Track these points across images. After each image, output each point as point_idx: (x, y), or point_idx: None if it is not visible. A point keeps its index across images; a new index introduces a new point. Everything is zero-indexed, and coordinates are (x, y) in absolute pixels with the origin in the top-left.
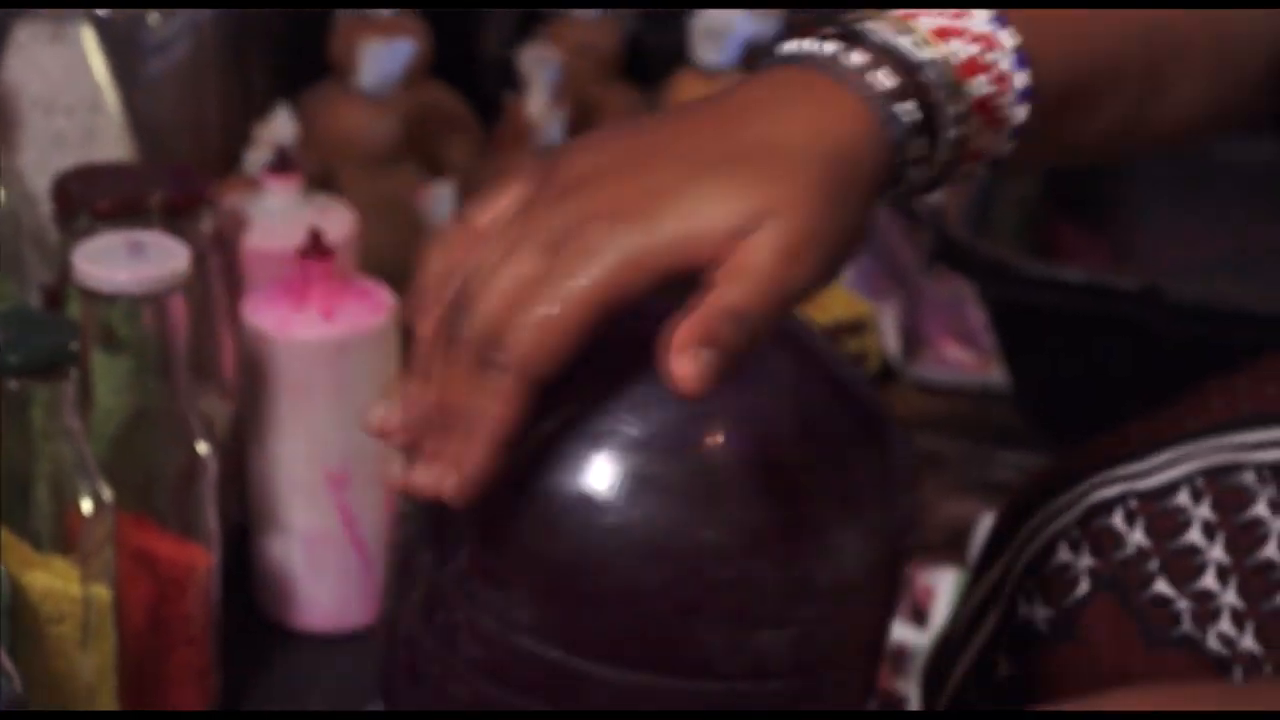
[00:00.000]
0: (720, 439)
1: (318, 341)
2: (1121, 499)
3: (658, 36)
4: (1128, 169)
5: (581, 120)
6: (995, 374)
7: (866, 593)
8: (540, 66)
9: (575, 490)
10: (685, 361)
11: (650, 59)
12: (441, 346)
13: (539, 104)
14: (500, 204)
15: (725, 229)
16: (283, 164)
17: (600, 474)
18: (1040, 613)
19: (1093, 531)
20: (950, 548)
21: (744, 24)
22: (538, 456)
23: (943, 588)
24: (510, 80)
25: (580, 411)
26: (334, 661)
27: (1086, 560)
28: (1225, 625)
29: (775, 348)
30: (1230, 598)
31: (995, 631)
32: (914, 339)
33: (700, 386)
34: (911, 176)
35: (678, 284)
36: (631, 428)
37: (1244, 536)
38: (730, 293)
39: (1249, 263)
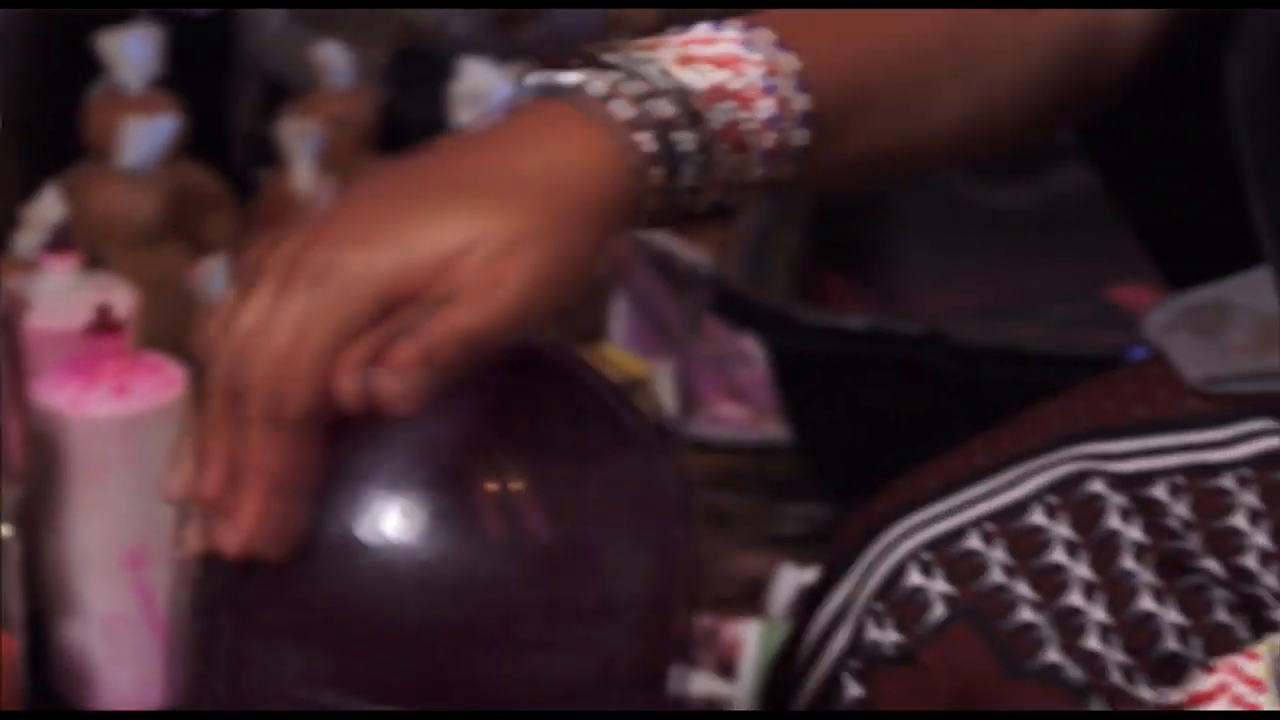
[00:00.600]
0: (482, 467)
1: (111, 419)
2: (976, 522)
3: (413, 107)
4: (890, 217)
5: None
6: (771, 429)
7: (651, 610)
8: (300, 139)
9: (348, 530)
10: (389, 380)
11: (407, 130)
12: (214, 402)
13: (303, 176)
14: (258, 254)
15: (439, 254)
16: (61, 243)
17: (370, 510)
18: (889, 636)
19: (948, 556)
20: (748, 601)
21: (504, 88)
22: (315, 503)
23: (749, 639)
24: (262, 157)
25: (337, 453)
26: None
27: (941, 586)
28: (1092, 642)
29: (538, 373)
30: (1098, 614)
31: (841, 654)
32: (688, 398)
33: (409, 406)
34: (653, 205)
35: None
36: (396, 460)
37: (1103, 550)
38: (447, 318)
39: (1011, 308)
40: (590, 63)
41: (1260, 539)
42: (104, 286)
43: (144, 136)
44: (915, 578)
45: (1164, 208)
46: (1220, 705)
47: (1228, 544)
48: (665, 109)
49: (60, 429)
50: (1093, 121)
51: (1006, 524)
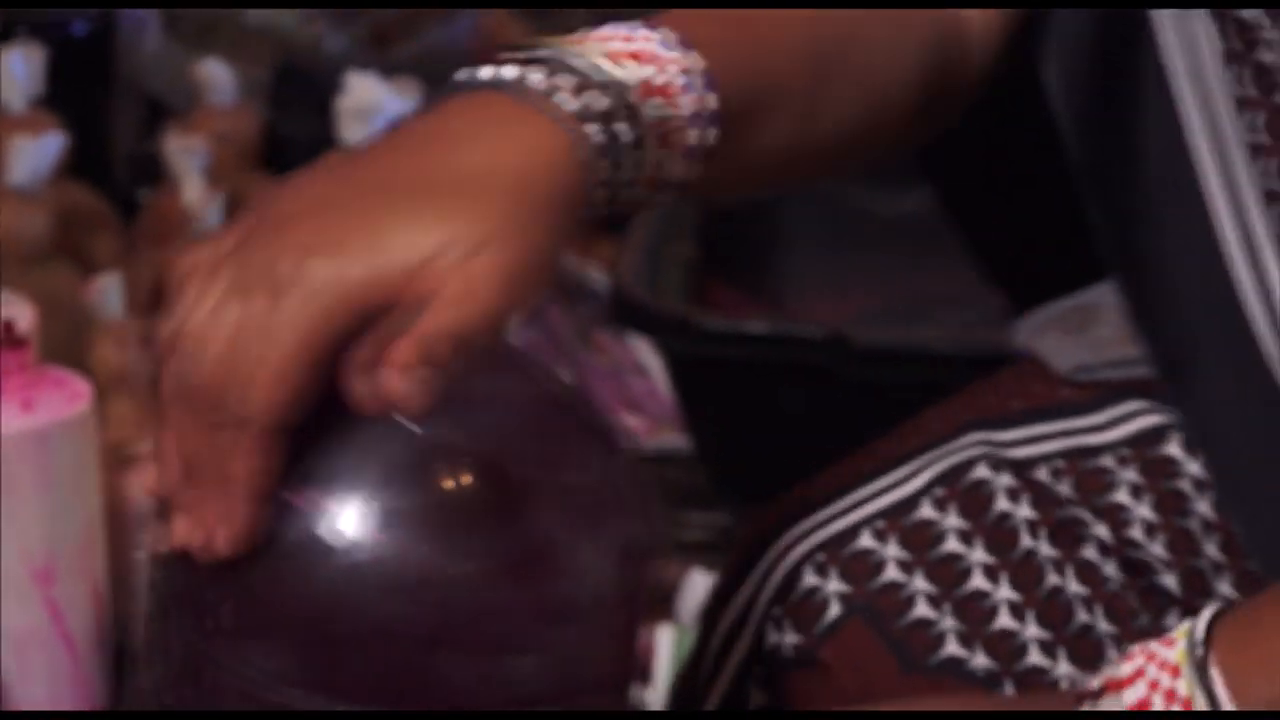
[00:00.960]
0: (447, 465)
1: (20, 434)
2: (868, 520)
3: (295, 123)
4: (777, 227)
5: (229, 210)
6: (669, 438)
7: (618, 610)
8: (186, 156)
9: (316, 531)
10: (395, 379)
11: (291, 146)
12: (170, 401)
13: (194, 192)
14: (206, 252)
15: (413, 261)
16: None
17: (340, 511)
18: (788, 639)
19: (842, 557)
20: (658, 606)
21: (390, 103)
22: (278, 504)
23: (662, 644)
24: (144, 176)
25: (313, 456)
26: None
27: (836, 584)
28: (1004, 620)
29: (494, 373)
30: (1005, 592)
31: (744, 661)
32: None
33: (419, 405)
34: (598, 199)
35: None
36: (363, 465)
37: (998, 532)
38: (437, 317)
39: (901, 313)
40: (522, 58)
41: (1144, 511)
42: (2, 303)
43: (31, 155)
44: (810, 579)
45: (1004, 224)
46: (1138, 691)
47: (1114, 518)
48: (603, 101)
49: None
50: (950, 128)
51: (897, 520)
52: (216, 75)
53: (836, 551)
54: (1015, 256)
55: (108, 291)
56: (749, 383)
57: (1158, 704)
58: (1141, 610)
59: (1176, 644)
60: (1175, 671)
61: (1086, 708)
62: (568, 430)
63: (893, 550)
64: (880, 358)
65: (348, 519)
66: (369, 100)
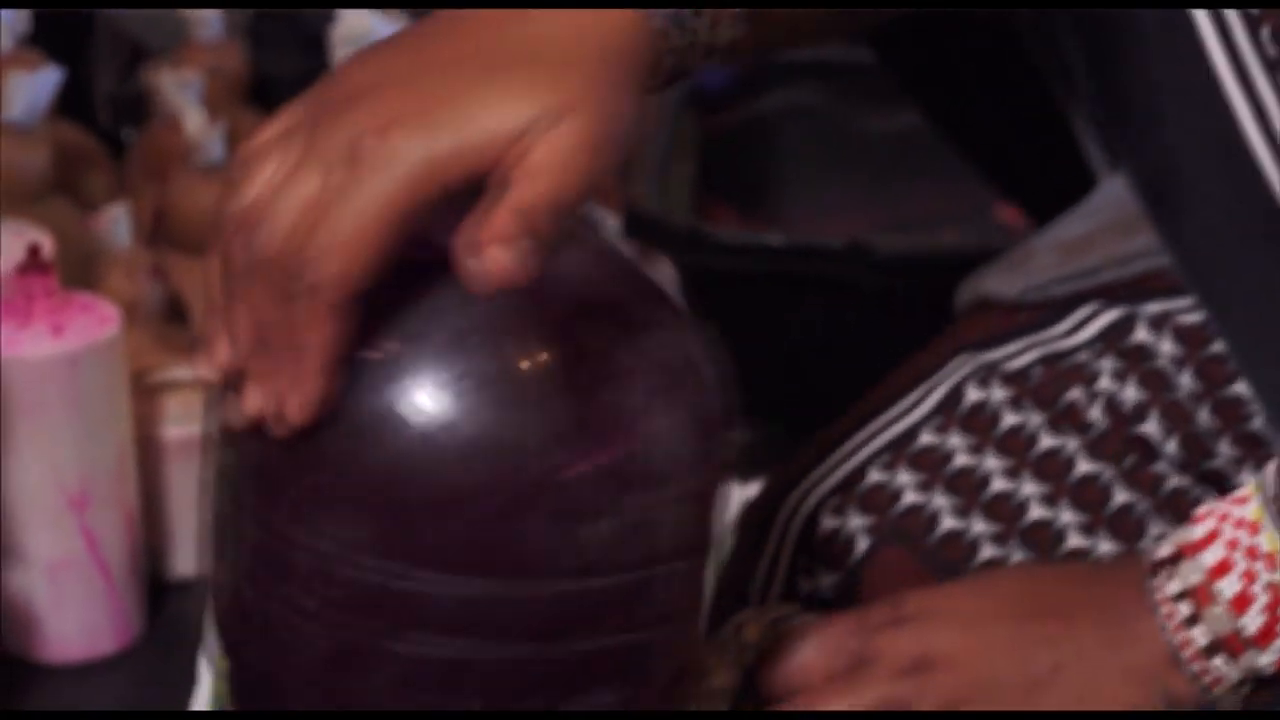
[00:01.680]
0: (528, 333)
1: (51, 358)
2: (874, 458)
3: (282, 59)
4: (773, 147)
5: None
6: None
7: (693, 478)
8: (183, 89)
9: (388, 399)
10: (500, 254)
11: (279, 84)
12: (241, 274)
13: (195, 123)
14: (275, 128)
15: (504, 133)
16: None
17: (413, 379)
18: (825, 580)
19: (856, 494)
20: None
21: (381, 26)
22: (352, 373)
23: None
24: (127, 116)
25: (387, 323)
26: (89, 693)
27: (858, 520)
28: (1037, 511)
29: (569, 245)
30: (1030, 488)
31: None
32: None
33: (518, 278)
34: (665, 66)
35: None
36: (439, 329)
37: (1009, 441)
38: (533, 187)
39: (900, 231)
40: None
41: (1130, 392)
42: (17, 231)
43: (29, 90)
44: (830, 521)
45: (994, 128)
46: (1216, 552)
47: (1107, 403)
48: None
49: None
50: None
51: (901, 451)
52: (203, 11)
53: (849, 491)
54: (1014, 161)
55: (117, 222)
56: (767, 296)
57: (1239, 563)
58: (1162, 484)
59: (1249, 501)
60: (1254, 528)
61: (1164, 576)
62: (641, 302)
63: (905, 477)
64: (902, 266)
65: (421, 385)
66: (360, 29)
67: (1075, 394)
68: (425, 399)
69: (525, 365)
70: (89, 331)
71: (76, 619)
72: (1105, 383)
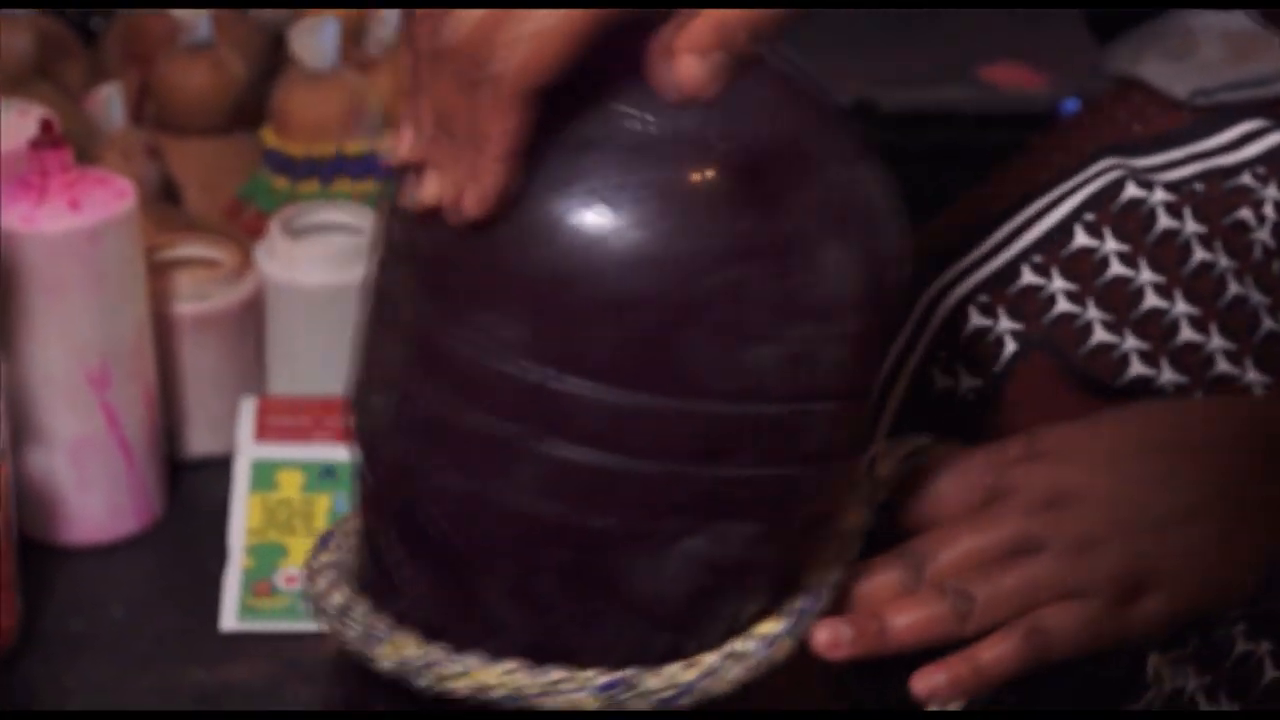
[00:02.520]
0: (708, 149)
1: (69, 233)
2: (1024, 255)
3: None
4: None
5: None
6: None
7: (858, 317)
8: None
9: (562, 201)
10: (693, 63)
11: None
12: (429, 60)
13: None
14: None
15: None
16: None
17: (587, 184)
18: (965, 383)
19: (1008, 295)
20: None
21: None
22: (531, 171)
23: None
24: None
25: (565, 124)
26: (115, 574)
27: (1007, 323)
28: (1187, 333)
29: (757, 69)
30: (1182, 307)
31: (901, 405)
32: None
33: (708, 89)
34: None
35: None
36: (618, 137)
37: (1162, 251)
38: (735, 6)
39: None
40: None
41: None
42: (23, 110)
43: None
44: (978, 320)
45: None
46: None
47: (1275, 227)
48: None
49: (15, 248)
50: None
51: (1054, 252)
52: None
53: (1000, 290)
54: None
55: (110, 102)
56: None
57: None
58: None
59: None
60: None
61: None
62: (825, 134)
63: (1058, 283)
64: (910, 121)
65: (597, 189)
66: None
67: (1244, 214)
68: (599, 203)
69: (702, 179)
70: (107, 206)
71: (99, 500)
72: (1269, 211)
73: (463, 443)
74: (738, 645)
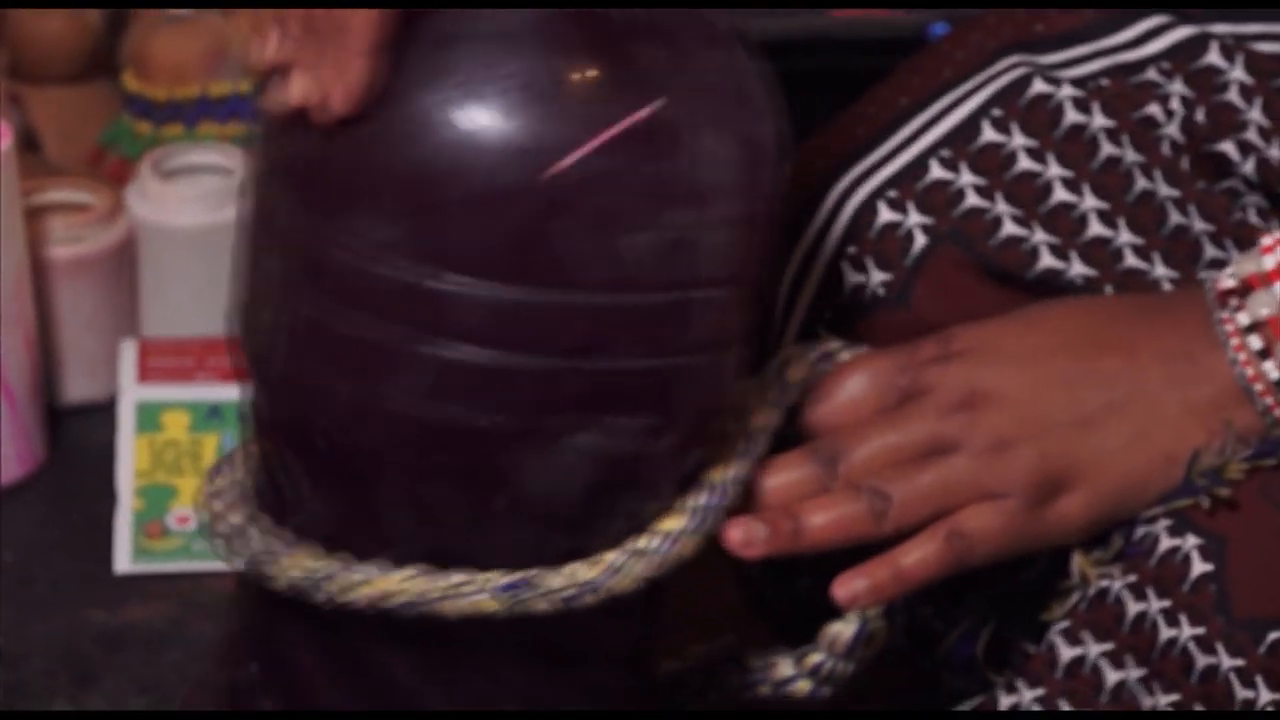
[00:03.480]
0: (574, 38)
1: None
2: (932, 150)
3: None
4: None
5: None
6: None
7: (734, 203)
8: None
9: (429, 96)
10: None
11: None
12: None
13: None
14: None
15: None
16: None
17: (454, 78)
18: (876, 277)
19: (916, 190)
20: None
21: None
22: (395, 64)
23: None
24: None
25: (429, 19)
26: (1, 520)
27: (917, 217)
28: (1096, 228)
29: None
30: (1090, 202)
31: (813, 303)
32: None
33: None
34: None
35: None
36: (484, 30)
37: (1070, 146)
38: None
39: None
40: None
41: (1200, 118)
42: None
43: None
44: (887, 214)
45: None
46: None
47: (1182, 121)
48: None
49: None
50: None
51: (962, 146)
52: None
53: (909, 185)
54: None
55: None
56: None
57: None
58: (1232, 207)
59: None
60: None
61: (1232, 308)
62: (696, 26)
63: (967, 177)
64: (780, 49)
65: (465, 83)
66: None
67: (1152, 109)
68: (468, 96)
69: (571, 71)
70: None
71: None
72: (1176, 105)
73: (346, 349)
74: (640, 542)
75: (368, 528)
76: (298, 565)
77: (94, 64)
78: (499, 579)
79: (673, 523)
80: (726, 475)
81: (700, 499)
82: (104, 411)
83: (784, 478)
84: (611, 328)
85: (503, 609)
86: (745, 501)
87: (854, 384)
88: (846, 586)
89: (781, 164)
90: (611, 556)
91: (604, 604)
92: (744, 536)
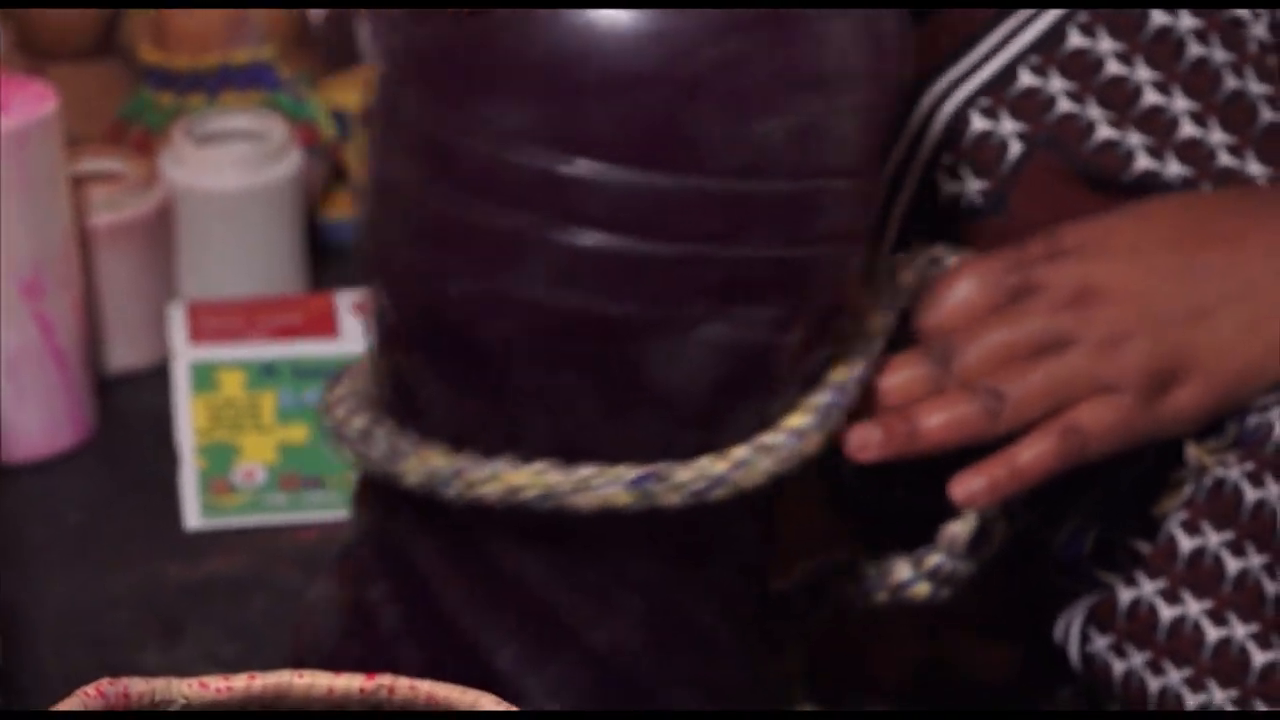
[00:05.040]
0: None
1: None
2: (1020, 57)
3: None
4: None
5: None
6: None
7: (860, 89)
8: None
9: None
10: None
11: None
12: None
13: None
14: None
15: None
16: None
17: None
18: (972, 185)
19: (1008, 97)
20: None
21: None
22: None
23: None
24: None
25: None
26: (59, 490)
27: (1010, 124)
28: (1188, 129)
29: None
30: (1181, 104)
31: (906, 213)
32: None
33: None
34: None
35: None
36: None
37: (1158, 48)
38: None
39: None
40: None
41: None
42: None
43: None
44: (980, 123)
45: None
46: None
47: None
48: None
49: None
50: None
51: (1050, 52)
52: None
53: (1000, 92)
54: None
55: None
56: None
57: None
58: None
59: None
60: None
61: None
62: None
63: (1057, 83)
64: None
65: None
66: None
67: (1240, 9)
68: None
69: None
70: (31, 108)
71: (35, 413)
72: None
73: (474, 239)
74: (767, 438)
75: (496, 424)
76: (426, 462)
77: (105, 40)
78: (629, 472)
79: (798, 419)
80: (848, 375)
81: (824, 397)
82: (148, 379)
83: (899, 378)
84: (743, 215)
85: (633, 502)
86: (863, 404)
87: (965, 286)
88: (964, 485)
89: (906, 55)
90: (740, 451)
91: (731, 500)
92: (860, 439)
